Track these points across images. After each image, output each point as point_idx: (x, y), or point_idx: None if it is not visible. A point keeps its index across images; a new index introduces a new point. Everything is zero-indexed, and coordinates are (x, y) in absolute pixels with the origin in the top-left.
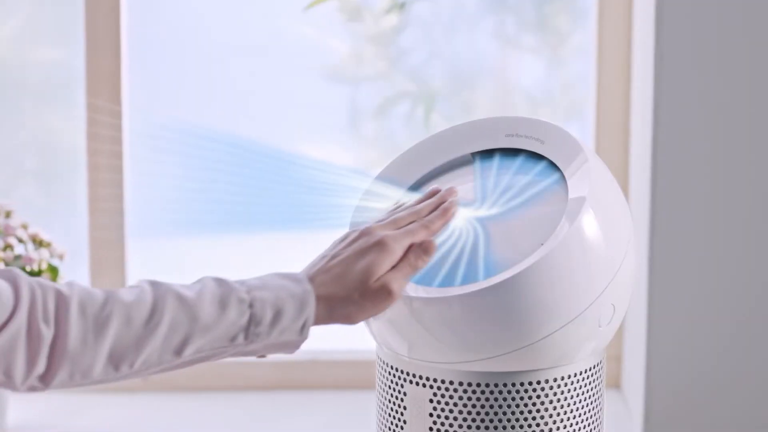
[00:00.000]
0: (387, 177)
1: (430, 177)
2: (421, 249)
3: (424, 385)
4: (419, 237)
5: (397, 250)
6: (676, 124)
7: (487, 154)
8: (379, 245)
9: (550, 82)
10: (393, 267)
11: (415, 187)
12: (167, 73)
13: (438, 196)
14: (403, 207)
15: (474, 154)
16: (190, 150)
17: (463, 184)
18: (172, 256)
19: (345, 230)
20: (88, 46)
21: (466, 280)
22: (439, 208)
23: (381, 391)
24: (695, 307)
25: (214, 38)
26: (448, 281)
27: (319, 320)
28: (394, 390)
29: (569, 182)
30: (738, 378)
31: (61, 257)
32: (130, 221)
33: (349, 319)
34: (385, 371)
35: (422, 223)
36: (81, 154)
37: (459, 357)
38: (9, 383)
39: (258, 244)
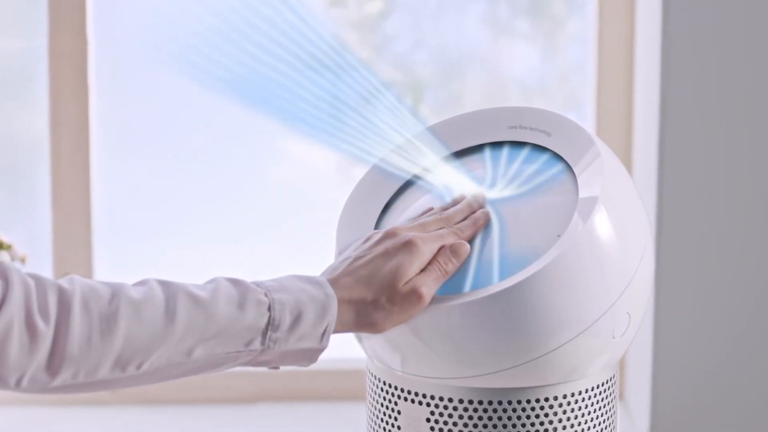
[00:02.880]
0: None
1: None
2: (451, 251)
3: (420, 403)
4: (448, 242)
5: (426, 252)
6: (684, 117)
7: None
8: (408, 246)
9: (545, 71)
10: (421, 270)
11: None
12: (138, 62)
13: (466, 203)
14: (430, 213)
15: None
16: (163, 143)
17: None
18: (143, 257)
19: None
20: (51, 31)
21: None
22: (471, 218)
23: (372, 408)
24: (703, 314)
25: (188, 26)
26: (446, 287)
27: (343, 327)
28: (387, 408)
29: (579, 179)
30: (750, 389)
31: (22, 260)
32: (97, 220)
33: (375, 327)
34: (377, 387)
35: (452, 230)
36: (44, 148)
37: (459, 372)
38: (1, 383)
39: (234, 246)
